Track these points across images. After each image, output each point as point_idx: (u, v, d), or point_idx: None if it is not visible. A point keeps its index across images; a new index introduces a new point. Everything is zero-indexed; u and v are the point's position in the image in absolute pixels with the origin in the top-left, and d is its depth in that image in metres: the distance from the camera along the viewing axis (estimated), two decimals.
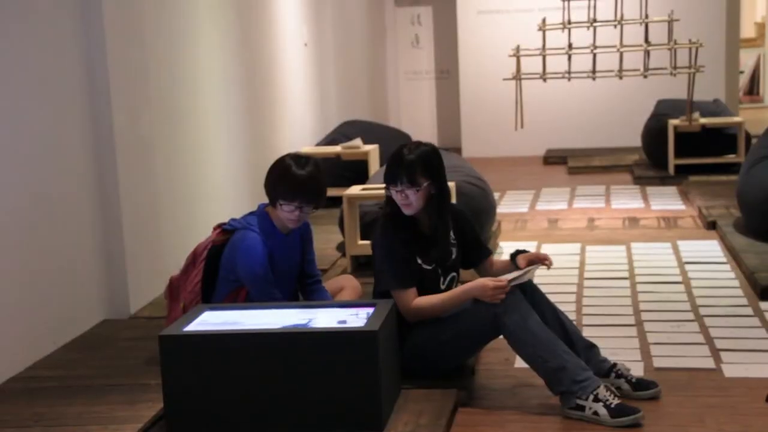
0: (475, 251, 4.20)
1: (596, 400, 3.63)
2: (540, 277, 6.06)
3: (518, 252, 4.12)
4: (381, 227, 4.02)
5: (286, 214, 3.98)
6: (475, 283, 3.84)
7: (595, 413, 3.62)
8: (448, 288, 4.01)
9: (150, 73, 5.55)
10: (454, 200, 5.64)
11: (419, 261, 3.97)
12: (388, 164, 3.96)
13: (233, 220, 4.12)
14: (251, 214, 4.11)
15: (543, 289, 5.77)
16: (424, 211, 3.96)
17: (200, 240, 4.24)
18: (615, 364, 3.96)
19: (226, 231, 4.11)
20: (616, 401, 3.65)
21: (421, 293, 3.94)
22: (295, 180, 3.94)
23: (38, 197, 4.53)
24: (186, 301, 4.09)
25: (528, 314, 3.78)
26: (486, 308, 3.79)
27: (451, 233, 4.10)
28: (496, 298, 3.77)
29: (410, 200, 3.89)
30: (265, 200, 4.12)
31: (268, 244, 3.99)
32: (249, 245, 3.95)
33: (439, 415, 3.62)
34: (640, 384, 3.91)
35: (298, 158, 4.02)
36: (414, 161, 3.88)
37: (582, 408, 3.65)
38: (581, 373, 3.69)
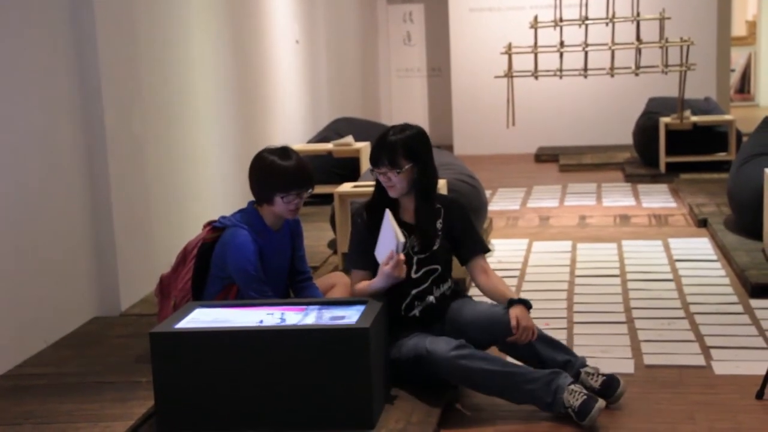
0: (464, 247, 4.02)
1: (565, 407, 3.62)
2: (531, 275, 6.08)
3: (511, 302, 3.82)
4: (359, 208, 4.05)
5: (285, 205, 3.98)
6: (379, 277, 3.77)
7: (571, 417, 3.63)
8: (422, 278, 3.91)
9: (141, 71, 5.54)
10: None
11: None
12: (373, 145, 3.94)
13: (223, 217, 4.11)
14: (241, 211, 4.11)
15: (534, 287, 5.82)
16: (408, 196, 3.93)
17: (191, 238, 4.24)
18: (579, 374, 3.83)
19: (216, 228, 4.11)
20: (579, 401, 3.59)
21: None
22: (287, 171, 3.96)
23: (29, 195, 4.52)
24: (177, 299, 4.08)
25: (471, 365, 3.64)
26: (430, 373, 3.73)
27: (439, 223, 3.99)
28: (402, 272, 3.73)
29: (393, 182, 3.86)
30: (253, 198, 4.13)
31: (258, 241, 3.99)
32: (239, 243, 3.95)
33: (429, 412, 3.62)
34: (604, 392, 3.76)
35: (277, 151, 4.03)
36: (396, 143, 3.85)
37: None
38: (549, 394, 3.65)
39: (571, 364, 3.84)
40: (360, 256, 3.94)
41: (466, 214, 4.09)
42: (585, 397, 3.60)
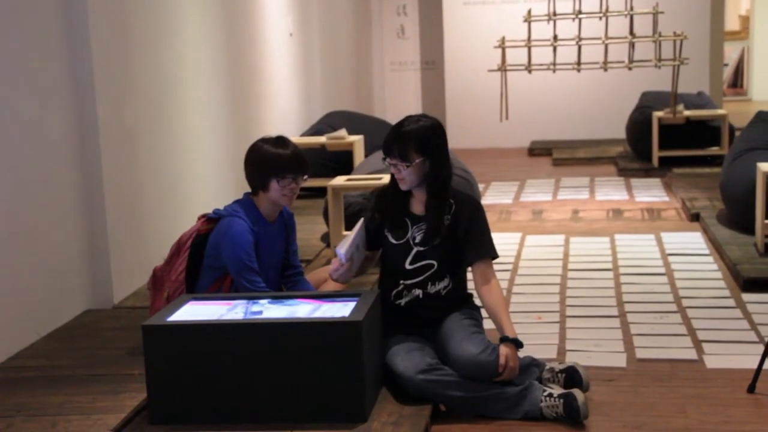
0: (468, 249, 3.85)
1: (547, 418, 3.61)
2: (524, 269, 6.09)
3: (503, 339, 3.70)
4: (375, 190, 4.06)
5: (281, 190, 3.99)
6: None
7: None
8: (416, 271, 3.85)
9: (134, 63, 5.53)
10: None
11: (386, 233, 3.90)
12: (386, 136, 3.86)
13: (217, 209, 4.11)
14: (237, 201, 4.11)
15: (527, 280, 5.82)
16: (420, 188, 3.85)
17: (184, 230, 4.23)
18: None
19: (211, 220, 4.11)
20: (561, 407, 3.58)
21: (387, 266, 3.92)
22: (282, 156, 3.99)
23: (22, 187, 4.50)
24: (170, 291, 4.07)
25: (437, 391, 3.62)
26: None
27: (447, 218, 3.84)
28: (343, 279, 3.77)
29: (402, 174, 3.80)
30: (246, 190, 4.13)
31: (254, 231, 3.99)
32: (236, 232, 3.95)
33: (421, 405, 3.62)
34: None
35: (273, 139, 4.06)
36: (408, 135, 3.76)
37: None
38: (518, 412, 3.63)
39: (533, 385, 3.72)
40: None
41: (477, 214, 3.89)
42: (563, 399, 3.59)
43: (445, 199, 3.86)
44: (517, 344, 3.70)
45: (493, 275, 3.87)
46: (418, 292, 3.89)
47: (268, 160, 4.00)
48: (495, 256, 3.91)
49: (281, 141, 4.05)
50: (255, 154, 4.05)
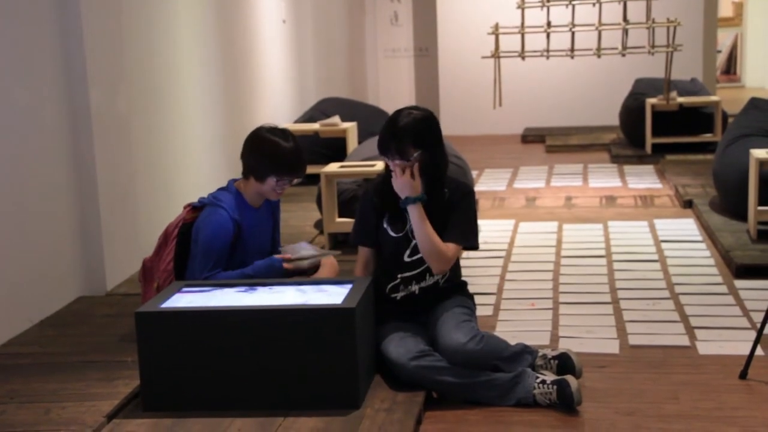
0: (448, 230, 3.81)
1: (541, 405, 3.61)
2: (518, 256, 6.10)
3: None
4: (369, 188, 4.05)
5: (275, 187, 3.99)
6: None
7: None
8: (414, 264, 3.83)
9: (127, 51, 5.50)
10: None
11: (385, 226, 3.89)
12: (381, 133, 3.82)
13: (202, 198, 4.11)
14: (221, 189, 4.10)
15: (521, 267, 5.83)
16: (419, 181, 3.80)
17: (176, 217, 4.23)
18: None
19: (196, 208, 4.10)
20: (554, 394, 3.59)
21: (386, 259, 3.90)
22: (288, 156, 3.97)
23: (15, 175, 4.49)
24: (160, 281, 4.07)
25: (429, 376, 3.62)
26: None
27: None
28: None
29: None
30: (237, 177, 4.12)
31: (238, 219, 3.98)
32: (216, 221, 3.95)
33: (416, 393, 3.63)
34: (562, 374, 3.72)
35: (279, 133, 4.02)
36: (404, 132, 3.72)
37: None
38: (510, 399, 3.63)
39: (525, 372, 3.72)
40: (365, 233, 3.94)
41: (467, 201, 3.89)
42: (556, 386, 3.59)
43: (443, 187, 3.85)
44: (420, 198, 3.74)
45: (456, 254, 3.83)
46: (415, 287, 3.88)
47: (274, 157, 3.97)
48: (471, 246, 3.89)
49: (286, 137, 4.01)
50: (261, 145, 4.01)
